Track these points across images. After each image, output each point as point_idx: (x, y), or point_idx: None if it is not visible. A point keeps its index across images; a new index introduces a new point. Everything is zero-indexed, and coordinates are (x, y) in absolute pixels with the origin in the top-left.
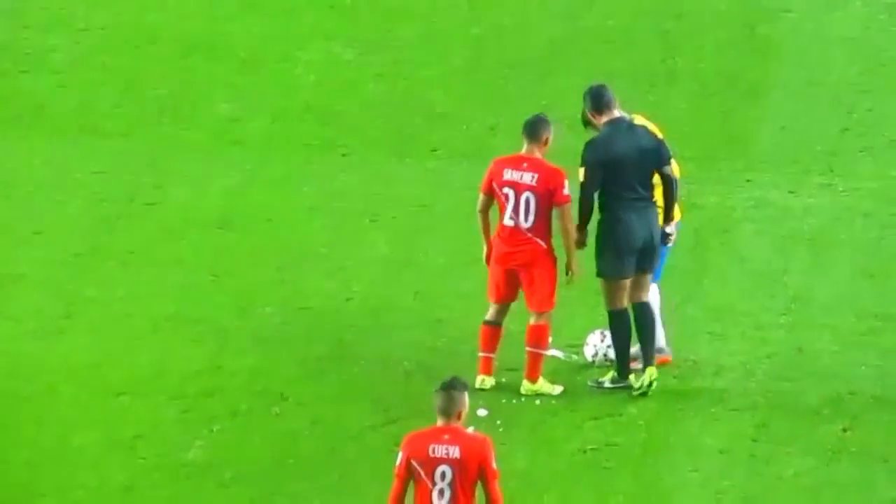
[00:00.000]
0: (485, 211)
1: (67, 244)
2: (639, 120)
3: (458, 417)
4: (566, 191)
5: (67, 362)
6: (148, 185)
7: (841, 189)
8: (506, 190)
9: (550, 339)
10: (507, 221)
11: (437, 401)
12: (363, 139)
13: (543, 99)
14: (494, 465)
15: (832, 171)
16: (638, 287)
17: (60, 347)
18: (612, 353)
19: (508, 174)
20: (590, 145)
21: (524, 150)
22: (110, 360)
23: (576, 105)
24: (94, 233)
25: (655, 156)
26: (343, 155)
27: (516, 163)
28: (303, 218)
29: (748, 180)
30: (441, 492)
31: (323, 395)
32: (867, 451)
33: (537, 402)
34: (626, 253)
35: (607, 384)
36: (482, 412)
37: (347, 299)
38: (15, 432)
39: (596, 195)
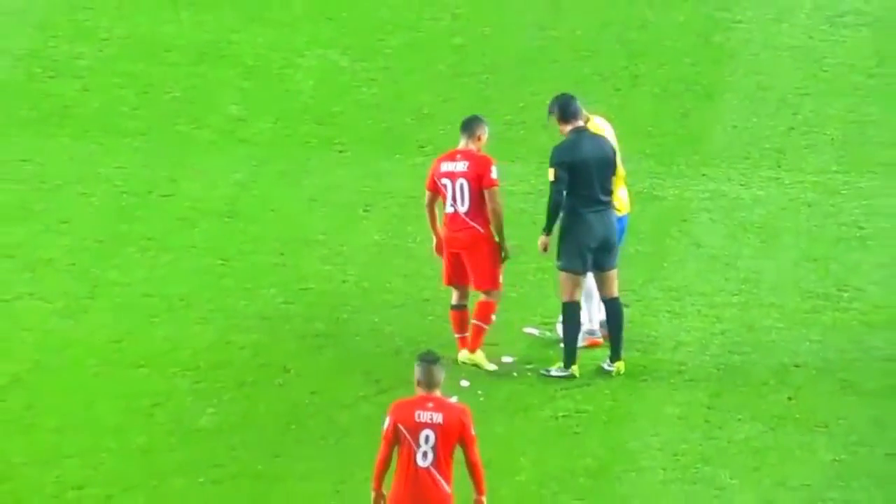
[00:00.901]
0: (430, 206)
1: (91, 232)
2: (598, 120)
3: (438, 386)
4: (493, 175)
5: (91, 338)
6: (164, 178)
7: (787, 182)
8: (444, 181)
9: (495, 314)
10: (448, 209)
11: (418, 373)
12: (357, 137)
13: (520, 101)
14: (473, 432)
15: (779, 165)
16: (607, 284)
17: (85, 324)
18: (583, 329)
19: (445, 167)
20: (557, 148)
21: (460, 145)
22: (130, 336)
23: (530, 108)
24: (116, 221)
25: (613, 164)
26: (339, 152)
27: (451, 156)
28: (303, 208)
29: (703, 174)
30: (425, 454)
31: (321, 367)
32: (809, 417)
33: (514, 374)
34: (585, 249)
35: (554, 372)
36: (464, 383)
37: (343, 281)
38: (45, 400)
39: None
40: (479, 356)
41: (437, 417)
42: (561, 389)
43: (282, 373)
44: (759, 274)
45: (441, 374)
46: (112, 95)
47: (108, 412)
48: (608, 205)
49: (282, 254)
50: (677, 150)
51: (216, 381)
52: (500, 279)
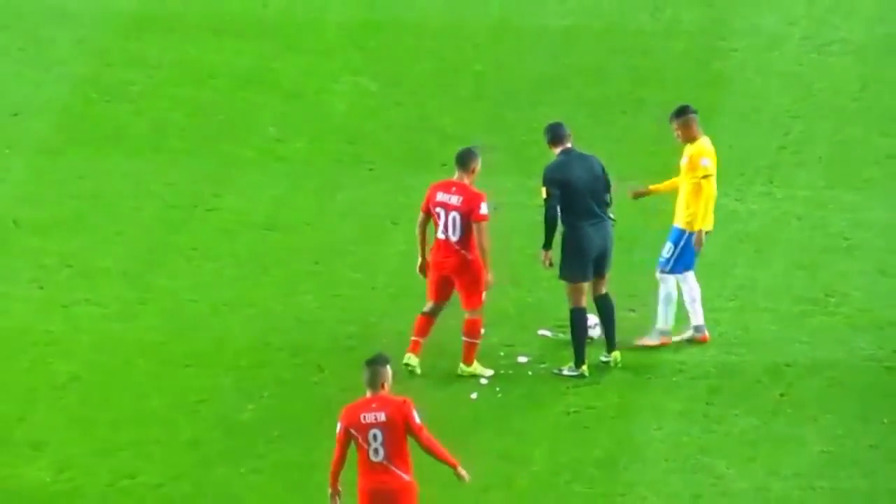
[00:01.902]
0: (422, 226)
1: (143, 242)
2: (704, 140)
3: (383, 387)
4: (483, 211)
5: (142, 339)
6: (208, 193)
7: (779, 197)
8: (438, 209)
9: (483, 327)
10: (440, 235)
11: (364, 375)
12: (385, 156)
13: (535, 123)
14: (417, 420)
15: (771, 182)
16: (600, 285)
17: (137, 327)
18: (593, 333)
19: (440, 196)
20: (547, 168)
21: (455, 176)
22: (178, 338)
23: (543, 130)
24: (165, 233)
25: (604, 180)
26: (369, 169)
27: (447, 187)
28: (336, 221)
29: None
30: (376, 450)
31: (352, 366)
32: (799, 411)
33: (529, 372)
34: (587, 259)
35: (566, 372)
36: (483, 381)
37: (372, 288)
38: (100, 397)
39: (559, 210)
40: (476, 367)
41: (381, 416)
42: (572, 387)
43: (317, 371)
44: (753, 280)
45: (383, 376)
46: (162, 118)
47: (157, 408)
48: (603, 217)
49: (316, 262)
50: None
51: (256, 379)
52: (483, 297)
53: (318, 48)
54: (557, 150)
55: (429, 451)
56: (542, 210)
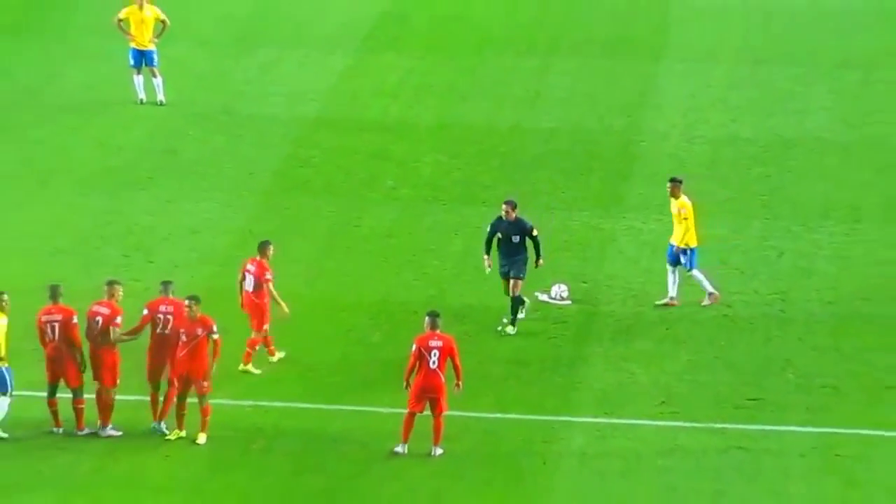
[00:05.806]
0: (240, 283)
1: (318, 245)
2: (684, 197)
3: (439, 327)
4: (267, 276)
5: (316, 297)
6: (354, 217)
7: (666, 221)
8: (245, 273)
9: (258, 345)
10: (246, 288)
11: (428, 322)
12: (451, 197)
13: (533, 182)
14: (456, 349)
15: (662, 213)
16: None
17: (314, 291)
18: (564, 294)
19: (248, 266)
20: (528, 220)
21: (257, 256)
22: (336, 296)
23: (538, 184)
24: (330, 240)
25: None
26: (443, 204)
27: (252, 262)
28: (424, 232)
29: (624, 217)
30: (433, 362)
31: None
32: (676, 338)
33: (510, 329)
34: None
35: (510, 331)
36: (502, 328)
37: (443, 269)
38: (288, 330)
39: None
40: (249, 367)
41: (439, 343)
42: (544, 339)
43: (412, 314)
44: (651, 268)
45: (440, 321)
46: (329, 175)
47: (322, 335)
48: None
49: (413, 255)
50: (611, 206)
51: (378, 318)
52: (265, 328)
53: (414, 137)
54: (516, 213)
55: (457, 368)
56: (536, 236)
